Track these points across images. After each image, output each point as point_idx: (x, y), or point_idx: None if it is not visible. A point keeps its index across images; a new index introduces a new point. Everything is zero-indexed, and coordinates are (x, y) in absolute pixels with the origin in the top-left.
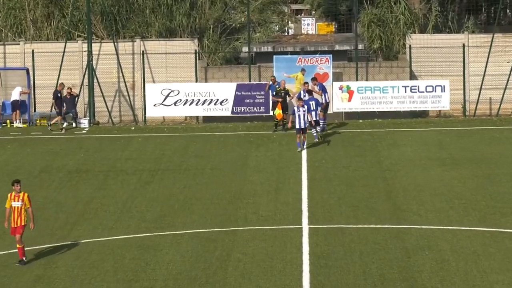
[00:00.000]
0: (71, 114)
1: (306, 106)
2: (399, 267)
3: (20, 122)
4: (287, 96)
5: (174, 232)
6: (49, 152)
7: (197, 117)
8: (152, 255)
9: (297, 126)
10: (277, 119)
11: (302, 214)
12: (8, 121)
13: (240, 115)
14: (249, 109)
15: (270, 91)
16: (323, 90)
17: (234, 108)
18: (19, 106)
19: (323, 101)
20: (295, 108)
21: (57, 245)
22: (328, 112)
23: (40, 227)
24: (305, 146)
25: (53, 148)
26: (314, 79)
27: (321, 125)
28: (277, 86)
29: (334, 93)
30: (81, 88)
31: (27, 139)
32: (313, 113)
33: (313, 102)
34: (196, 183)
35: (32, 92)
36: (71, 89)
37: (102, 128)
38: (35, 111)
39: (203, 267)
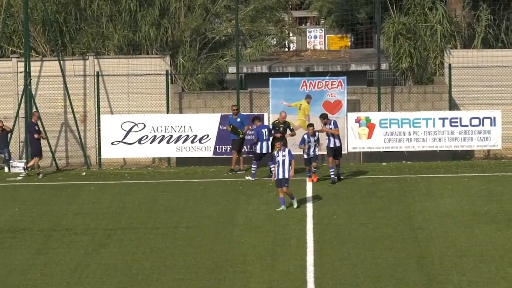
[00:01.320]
0: (2, 156)
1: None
2: None
3: None
4: (288, 131)
5: None
6: None
7: (168, 159)
8: None
9: (277, 177)
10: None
11: (307, 287)
12: None
13: (225, 156)
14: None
15: (231, 128)
16: (335, 126)
17: (217, 147)
18: None
19: (334, 144)
20: (275, 153)
21: None
22: (343, 152)
23: None
24: (295, 203)
25: None
26: (324, 116)
27: (331, 177)
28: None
29: (350, 127)
30: (15, 121)
31: None
32: (264, 144)
33: (266, 130)
34: (167, 247)
35: None
36: (2, 122)
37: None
38: None
39: None
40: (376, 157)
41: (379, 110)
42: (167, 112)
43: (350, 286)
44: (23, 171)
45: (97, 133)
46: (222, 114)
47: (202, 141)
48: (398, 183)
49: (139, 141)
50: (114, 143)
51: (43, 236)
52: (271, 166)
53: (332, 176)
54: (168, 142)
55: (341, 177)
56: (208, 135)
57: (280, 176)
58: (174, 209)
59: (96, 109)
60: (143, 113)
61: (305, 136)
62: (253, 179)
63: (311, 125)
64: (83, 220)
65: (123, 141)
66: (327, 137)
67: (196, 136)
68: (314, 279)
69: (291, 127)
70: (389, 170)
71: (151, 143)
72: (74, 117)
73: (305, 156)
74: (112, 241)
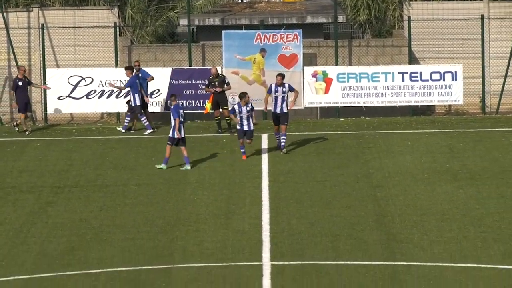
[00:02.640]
0: None
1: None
2: None
3: None
4: (225, 86)
5: (87, 272)
6: None
7: (117, 115)
8: None
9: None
10: (216, 116)
11: (263, 246)
12: None
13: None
14: (189, 103)
15: (136, 86)
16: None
17: (168, 102)
18: None
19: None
20: (236, 106)
21: None
22: (297, 107)
23: None
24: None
25: None
26: (281, 75)
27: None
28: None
29: (306, 82)
30: None
31: None
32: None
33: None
34: (117, 204)
35: None
36: None
37: None
38: None
39: None
40: (333, 113)
41: (337, 64)
42: (116, 65)
43: (308, 245)
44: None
45: (42, 88)
46: (173, 68)
47: (153, 96)
48: (357, 140)
49: (87, 95)
50: (60, 98)
51: None
52: (142, 119)
53: (277, 142)
54: (117, 97)
55: (284, 150)
56: (158, 90)
57: (246, 128)
58: (124, 167)
59: (41, 62)
60: (91, 67)
61: (235, 107)
62: (150, 130)
63: (280, 74)
64: (29, 178)
65: (70, 95)
66: (273, 100)
67: (146, 91)
68: (270, 238)
69: (227, 81)
70: (347, 126)
71: (99, 97)
72: (18, 71)
73: (238, 126)
74: (59, 199)
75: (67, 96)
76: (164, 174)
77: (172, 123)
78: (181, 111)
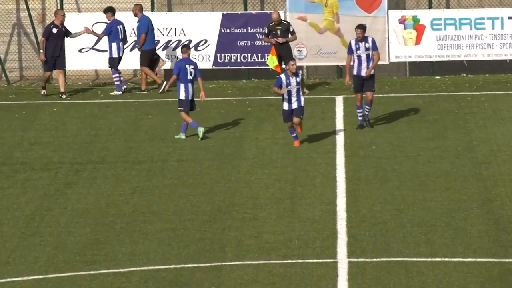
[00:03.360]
0: None
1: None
2: None
3: None
4: (289, 35)
5: (115, 270)
6: None
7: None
8: None
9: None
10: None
11: (338, 238)
12: None
13: (229, 67)
14: (243, 57)
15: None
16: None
17: (218, 56)
18: None
19: (359, 71)
20: (282, 76)
21: None
22: (381, 62)
23: None
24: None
25: None
26: (362, 28)
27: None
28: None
29: (392, 30)
30: None
31: None
32: None
33: (121, 26)
34: (153, 186)
35: None
36: None
37: None
38: None
39: None
40: (426, 69)
41: (430, 7)
42: (152, 9)
43: (394, 238)
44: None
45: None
46: (224, 12)
47: (198, 49)
48: (456, 103)
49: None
50: (82, 51)
51: None
52: (114, 76)
53: (359, 117)
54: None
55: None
56: (206, 41)
57: (294, 105)
58: (162, 138)
59: (59, 5)
60: (120, 11)
61: (282, 76)
62: (119, 92)
63: (360, 26)
64: (43, 152)
65: (95, 47)
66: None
67: (190, 41)
68: (346, 228)
69: (291, 29)
70: (444, 85)
71: (131, 50)
72: (30, 16)
73: (284, 106)
74: (81, 179)
75: (90, 48)
76: (213, 148)
77: (183, 83)
78: (191, 67)
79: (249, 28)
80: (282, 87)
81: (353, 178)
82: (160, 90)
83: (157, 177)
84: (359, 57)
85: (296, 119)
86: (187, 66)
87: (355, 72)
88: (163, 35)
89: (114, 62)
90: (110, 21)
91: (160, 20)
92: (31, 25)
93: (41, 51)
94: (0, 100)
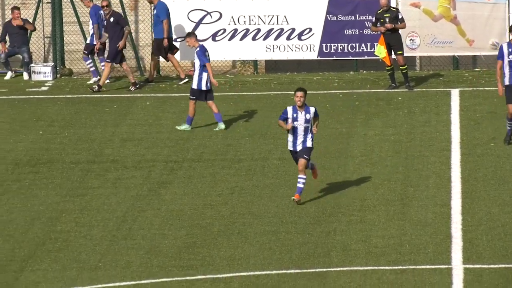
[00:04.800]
0: (20, 56)
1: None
2: None
3: None
4: (398, 22)
5: (213, 276)
6: None
7: (255, 63)
8: None
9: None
10: (387, 66)
11: (452, 243)
12: None
13: (335, 58)
14: (351, 47)
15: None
16: None
17: (323, 46)
18: None
19: None
20: (289, 109)
21: None
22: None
23: None
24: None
25: None
26: None
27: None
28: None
29: None
30: (36, 11)
31: None
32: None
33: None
34: (254, 186)
35: None
36: (19, 12)
37: (77, 83)
38: None
39: None
40: None
41: None
42: None
43: None
44: (26, 76)
45: (153, 25)
46: None
47: (302, 38)
48: None
49: (213, 37)
50: (178, 40)
51: (78, 170)
52: (87, 62)
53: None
54: (254, 38)
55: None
56: (310, 29)
57: (299, 147)
58: (263, 134)
59: None
60: None
61: (289, 109)
62: (96, 78)
63: None
64: (135, 149)
65: None
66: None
67: (293, 30)
68: (461, 232)
69: (400, 16)
70: None
71: (230, 39)
72: (122, 3)
73: (289, 146)
74: (176, 178)
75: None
76: (318, 145)
77: (197, 71)
78: (101, 12)
79: (357, 15)
80: (288, 121)
81: (469, 178)
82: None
83: (257, 176)
84: (510, 62)
85: (301, 161)
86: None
87: (507, 82)
88: (264, 23)
89: (87, 49)
90: (90, 7)
91: (262, 6)
92: (122, 13)
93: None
94: (89, 93)
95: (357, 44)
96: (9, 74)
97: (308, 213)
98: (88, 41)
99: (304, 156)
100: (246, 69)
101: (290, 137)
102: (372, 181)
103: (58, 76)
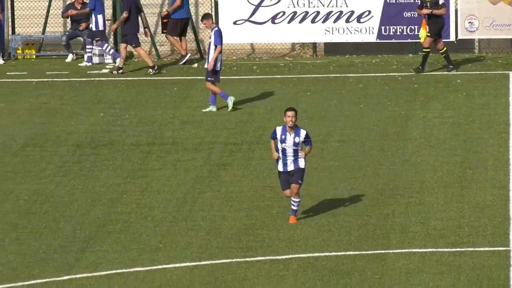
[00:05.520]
0: (81, 39)
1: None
2: None
3: (1, 57)
4: (437, 7)
5: (272, 258)
6: (40, 111)
7: (314, 45)
8: None
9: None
10: (440, 49)
11: (511, 225)
12: None
13: (394, 41)
14: (410, 30)
15: None
16: None
17: (382, 28)
18: None
19: None
20: (278, 129)
21: (56, 280)
22: None
23: (26, 246)
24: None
25: (48, 103)
26: None
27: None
28: None
29: None
30: None
31: None
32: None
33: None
34: (313, 168)
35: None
36: None
37: (137, 65)
38: (13, 33)
39: None
40: None
41: None
42: None
43: None
44: (116, 70)
45: (213, 8)
46: None
47: (361, 20)
48: None
49: (273, 19)
50: (237, 23)
51: (139, 152)
52: (104, 47)
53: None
54: (313, 21)
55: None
56: (369, 12)
57: (290, 168)
58: (322, 116)
59: None
60: None
61: (278, 129)
62: (89, 63)
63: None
64: (195, 131)
65: (250, 19)
66: None
67: (352, 12)
68: None
69: (442, 1)
70: None
71: (289, 22)
72: None
73: (278, 167)
74: (235, 160)
75: (245, 21)
76: (377, 127)
77: (212, 51)
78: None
79: None
80: (276, 142)
81: None
82: (182, 62)
83: (316, 158)
84: None
85: (293, 186)
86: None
87: None
88: (323, 5)
89: (100, 35)
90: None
91: None
92: None
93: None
94: (150, 76)
95: (416, 27)
96: (70, 57)
97: (367, 195)
98: (98, 28)
99: (299, 181)
100: (305, 51)
101: (280, 159)
102: (430, 163)
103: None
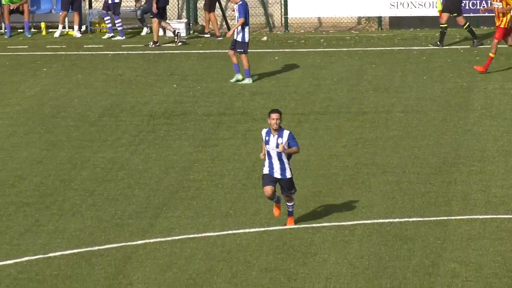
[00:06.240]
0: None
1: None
2: None
3: (79, 30)
4: None
5: (338, 224)
6: (116, 82)
7: (379, 19)
8: (300, 262)
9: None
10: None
11: None
12: (43, 26)
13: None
14: (472, 4)
15: None
16: None
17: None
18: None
19: None
20: (263, 132)
21: (130, 245)
22: None
23: (102, 212)
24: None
25: (124, 75)
26: None
27: None
28: None
29: None
30: None
31: (77, 57)
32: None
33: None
34: (377, 137)
35: None
36: None
37: (209, 39)
38: (90, 7)
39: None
40: None
41: None
42: None
43: None
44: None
45: None
46: None
47: None
48: None
49: None
50: None
51: (210, 122)
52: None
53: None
54: None
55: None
56: None
57: (277, 175)
58: (386, 88)
59: None
60: None
61: (263, 131)
62: (115, 35)
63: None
64: (264, 102)
65: None
66: None
67: None
68: None
69: None
70: None
71: None
72: None
73: (264, 170)
74: (302, 129)
75: None
76: (439, 98)
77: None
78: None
79: None
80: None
81: None
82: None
83: (381, 128)
84: None
85: (286, 199)
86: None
87: None
88: None
89: (115, 8)
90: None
91: None
92: None
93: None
94: (219, 49)
95: (478, 1)
96: (144, 30)
97: (430, 164)
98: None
99: (292, 192)
100: (371, 25)
101: (266, 161)
102: (491, 133)
103: (191, 32)
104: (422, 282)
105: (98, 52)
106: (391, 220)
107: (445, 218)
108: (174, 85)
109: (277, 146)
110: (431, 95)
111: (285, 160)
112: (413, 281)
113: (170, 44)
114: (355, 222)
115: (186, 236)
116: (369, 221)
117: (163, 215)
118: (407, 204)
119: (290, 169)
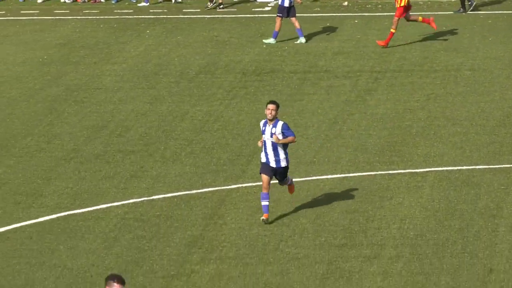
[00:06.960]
0: None
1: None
2: None
3: None
4: None
5: (411, 171)
6: (212, 43)
7: None
8: (377, 205)
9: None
10: None
11: None
12: None
13: None
14: None
15: None
16: None
17: None
18: None
19: None
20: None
21: (225, 189)
22: None
23: (200, 159)
24: None
25: (219, 36)
26: None
27: None
28: None
29: None
30: None
31: (177, 20)
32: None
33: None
34: (447, 93)
35: None
36: None
37: (297, 4)
38: None
39: (445, 228)
40: None
41: None
42: None
43: None
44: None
45: None
46: None
47: None
48: None
49: None
50: None
51: (296, 79)
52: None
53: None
54: None
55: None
56: None
57: (272, 165)
58: (456, 48)
59: None
60: None
61: (262, 122)
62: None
63: None
64: (345, 61)
65: None
66: None
67: None
68: None
69: None
70: None
71: None
72: None
73: (262, 158)
74: (379, 86)
75: None
76: (504, 58)
77: None
78: None
79: None
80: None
81: None
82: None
83: (450, 85)
84: None
85: (282, 184)
86: None
87: None
88: None
89: None
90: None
91: None
92: None
93: None
94: (304, 12)
95: None
96: None
97: (495, 117)
98: None
99: (285, 182)
100: None
101: (262, 150)
102: None
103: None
104: (487, 224)
105: (195, 16)
106: (459, 167)
107: (509, 166)
108: (264, 46)
109: (271, 136)
110: (496, 54)
111: (281, 151)
112: (479, 222)
113: (260, 9)
114: (427, 169)
115: (275, 181)
116: (439, 168)
117: (254, 162)
118: (474, 153)
119: (286, 159)
